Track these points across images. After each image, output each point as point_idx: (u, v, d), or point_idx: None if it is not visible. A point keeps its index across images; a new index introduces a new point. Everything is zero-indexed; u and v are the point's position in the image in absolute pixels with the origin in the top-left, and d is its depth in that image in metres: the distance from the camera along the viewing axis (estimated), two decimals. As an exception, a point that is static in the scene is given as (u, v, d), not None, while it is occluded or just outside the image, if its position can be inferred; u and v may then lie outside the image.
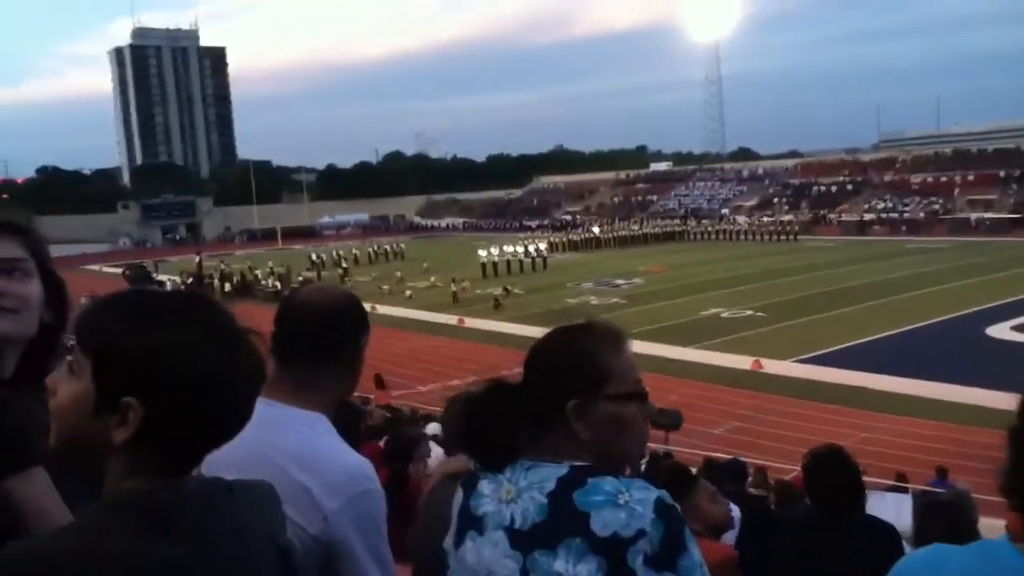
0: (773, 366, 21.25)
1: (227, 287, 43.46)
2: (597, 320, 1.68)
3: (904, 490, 10.69)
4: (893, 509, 7.50)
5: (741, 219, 67.81)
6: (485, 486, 1.57)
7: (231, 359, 1.10)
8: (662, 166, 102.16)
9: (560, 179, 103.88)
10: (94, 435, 1.07)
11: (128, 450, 1.07)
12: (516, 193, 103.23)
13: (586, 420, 1.53)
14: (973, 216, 58.94)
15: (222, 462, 1.67)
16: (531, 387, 1.59)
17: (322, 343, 1.78)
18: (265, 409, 1.70)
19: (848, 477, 3.37)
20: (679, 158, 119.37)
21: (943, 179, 67.77)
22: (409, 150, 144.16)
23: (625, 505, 1.41)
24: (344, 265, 50.88)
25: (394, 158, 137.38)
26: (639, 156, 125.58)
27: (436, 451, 7.26)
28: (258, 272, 46.68)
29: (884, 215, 64.50)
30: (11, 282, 1.46)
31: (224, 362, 1.09)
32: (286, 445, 1.66)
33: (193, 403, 1.07)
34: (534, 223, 79.32)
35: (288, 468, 1.62)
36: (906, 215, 63.39)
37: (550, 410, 1.55)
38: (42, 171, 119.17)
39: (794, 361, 21.71)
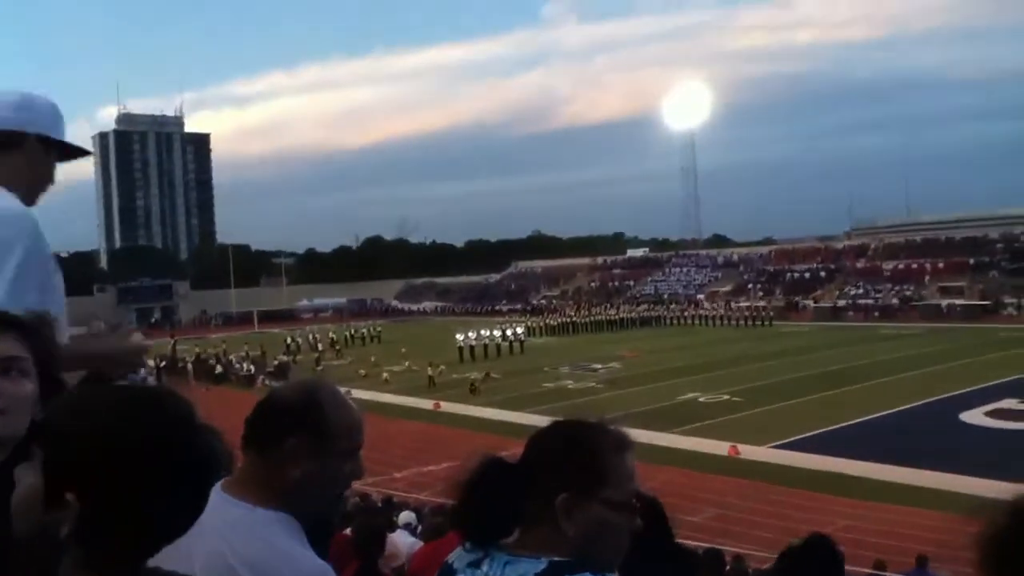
0: (750, 451, 21.17)
1: (199, 371, 43.00)
2: (606, 420, 1.67)
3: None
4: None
5: (708, 304, 68.35)
6: None
7: (176, 454, 1.08)
8: (639, 252, 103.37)
9: (538, 264, 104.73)
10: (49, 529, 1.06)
11: (74, 546, 1.05)
12: (495, 277, 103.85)
13: (575, 517, 1.49)
14: (944, 302, 59.83)
15: (181, 561, 1.64)
16: (527, 472, 1.56)
17: (260, 434, 1.73)
18: (227, 507, 1.65)
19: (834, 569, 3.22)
20: (656, 244, 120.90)
21: (914, 266, 68.98)
22: (389, 235, 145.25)
23: None
24: (320, 348, 50.60)
25: (374, 242, 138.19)
26: (616, 242, 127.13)
27: (408, 540, 7.14)
28: (232, 357, 46.25)
29: (857, 301, 65.33)
30: (4, 381, 1.44)
31: (167, 457, 1.07)
32: (243, 550, 1.61)
33: (129, 498, 1.05)
34: (506, 307, 79.62)
35: (244, 575, 1.58)
36: (878, 301, 64.23)
37: (540, 500, 1.52)
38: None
39: (771, 447, 21.65)
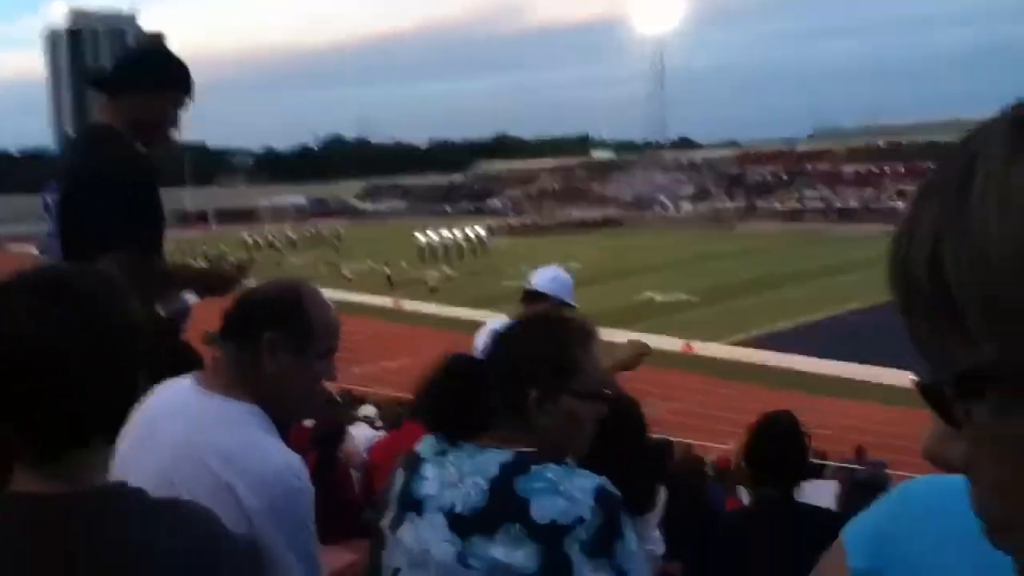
0: (704, 348, 21.59)
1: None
2: (571, 313, 1.67)
3: (821, 468, 10.94)
4: (811, 492, 7.67)
5: (671, 206, 68.67)
6: (428, 469, 1.55)
7: (59, 334, 1.01)
8: (604, 154, 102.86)
9: (503, 165, 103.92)
10: None
11: (5, 442, 1.02)
12: (459, 178, 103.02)
13: (546, 411, 1.52)
14: (902, 205, 60.57)
15: (151, 451, 1.63)
16: (497, 369, 1.57)
17: (239, 326, 1.73)
18: (200, 399, 1.69)
19: (798, 445, 3.01)
20: (621, 146, 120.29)
21: (875, 170, 69.52)
22: (350, 135, 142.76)
23: (565, 492, 1.41)
24: (278, 247, 50.21)
25: (335, 142, 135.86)
26: (581, 144, 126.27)
27: (368, 433, 7.21)
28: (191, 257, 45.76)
29: (817, 204, 65.93)
30: None
31: (49, 336, 1.01)
32: (214, 441, 1.62)
33: (30, 385, 1.00)
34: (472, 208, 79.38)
35: (212, 465, 1.58)
36: (838, 205, 64.88)
37: (510, 396, 1.53)
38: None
39: (724, 343, 22.08)
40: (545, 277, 3.55)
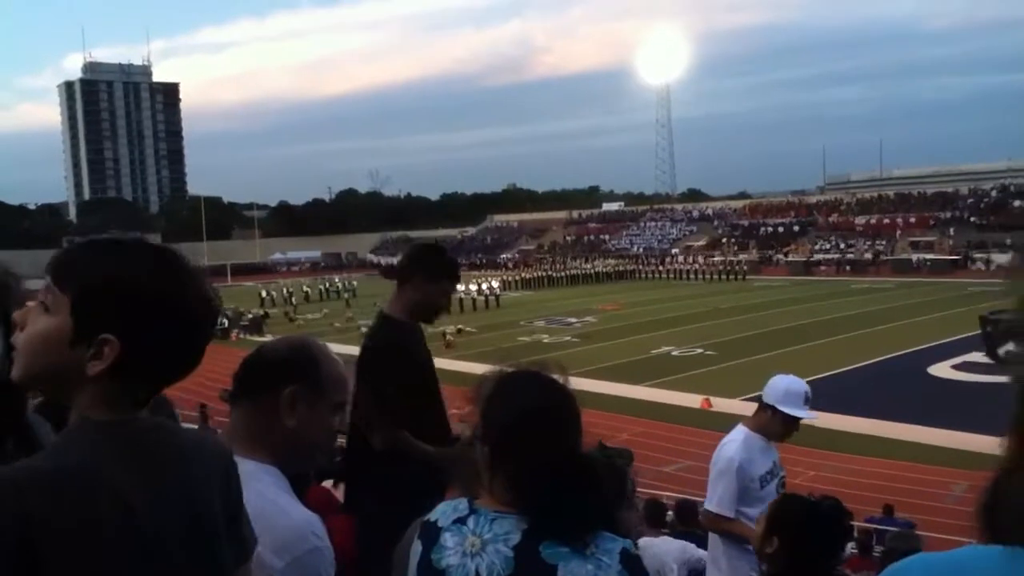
0: (723, 404, 21.42)
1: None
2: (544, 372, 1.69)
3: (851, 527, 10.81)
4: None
5: (682, 259, 68.58)
6: (448, 538, 1.55)
7: (194, 294, 1.19)
8: (614, 206, 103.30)
9: (514, 217, 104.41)
10: (64, 368, 1.14)
11: (99, 382, 1.14)
12: (470, 231, 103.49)
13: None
14: (915, 257, 60.47)
15: None
16: (498, 435, 1.58)
17: (246, 385, 1.77)
18: None
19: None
20: (631, 198, 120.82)
21: (886, 221, 69.54)
22: (363, 188, 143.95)
23: (591, 556, 1.42)
24: (293, 302, 50.38)
25: (348, 195, 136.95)
26: (591, 195, 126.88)
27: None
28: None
29: (830, 255, 65.85)
30: None
31: (189, 297, 1.18)
32: None
33: (166, 336, 1.15)
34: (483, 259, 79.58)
35: None
36: (850, 256, 64.81)
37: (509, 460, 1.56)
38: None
39: (744, 399, 21.91)
40: (778, 391, 4.15)
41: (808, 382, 4.49)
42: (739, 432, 4.10)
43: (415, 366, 3.44)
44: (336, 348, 1.96)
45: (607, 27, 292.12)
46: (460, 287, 40.37)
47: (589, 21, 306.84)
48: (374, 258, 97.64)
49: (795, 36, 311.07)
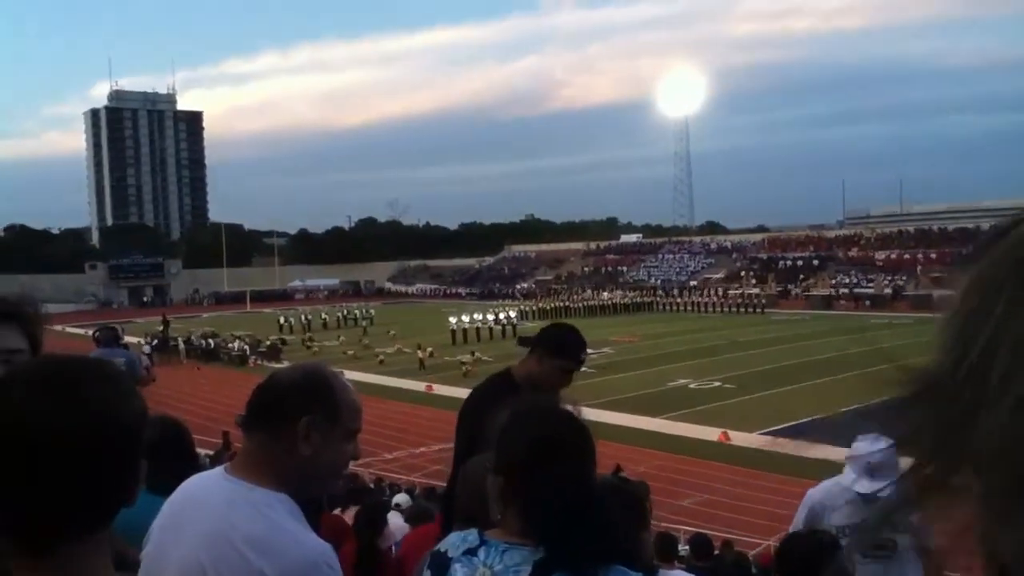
0: (740, 438, 21.27)
1: (191, 349, 43.09)
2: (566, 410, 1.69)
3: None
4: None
5: (700, 291, 68.42)
6: (458, 570, 1.55)
7: (64, 419, 1.00)
8: (632, 237, 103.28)
9: (531, 248, 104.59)
10: None
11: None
12: (488, 261, 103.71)
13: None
14: (935, 292, 59.98)
15: (183, 541, 1.66)
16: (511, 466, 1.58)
17: (260, 413, 1.77)
18: (228, 486, 1.70)
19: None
20: (649, 230, 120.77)
21: (906, 256, 69.13)
22: (382, 217, 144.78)
23: None
24: (311, 329, 50.57)
25: (367, 224, 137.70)
26: (610, 227, 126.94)
27: (401, 522, 7.13)
28: (224, 336, 46.20)
29: (850, 290, 65.45)
30: None
31: (56, 422, 1.00)
32: (245, 528, 1.64)
33: (41, 470, 0.99)
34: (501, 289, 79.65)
35: (247, 553, 1.60)
36: (870, 291, 64.38)
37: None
38: (9, 229, 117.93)
39: (761, 433, 21.74)
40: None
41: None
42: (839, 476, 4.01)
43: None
44: (351, 376, 1.97)
45: (625, 64, 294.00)
46: (477, 315, 40.45)
47: (607, 57, 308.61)
48: (391, 286, 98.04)
49: (816, 74, 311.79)
